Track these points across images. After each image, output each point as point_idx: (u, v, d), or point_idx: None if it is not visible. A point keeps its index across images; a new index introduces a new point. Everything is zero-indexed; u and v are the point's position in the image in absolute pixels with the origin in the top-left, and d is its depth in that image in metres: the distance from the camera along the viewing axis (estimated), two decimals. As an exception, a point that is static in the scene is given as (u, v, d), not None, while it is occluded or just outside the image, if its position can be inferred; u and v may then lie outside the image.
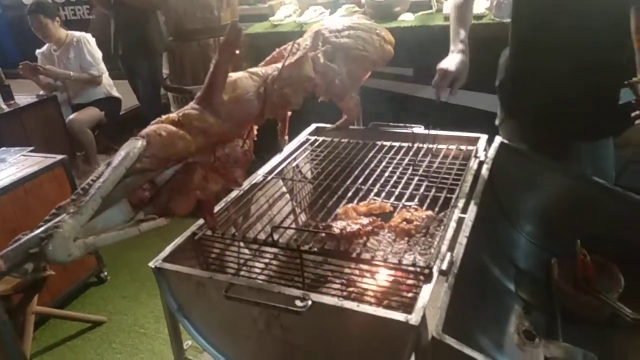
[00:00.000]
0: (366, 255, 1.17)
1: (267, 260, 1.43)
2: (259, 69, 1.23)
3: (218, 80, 1.08)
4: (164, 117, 1.08)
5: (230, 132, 1.13)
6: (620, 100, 1.61)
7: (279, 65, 1.26)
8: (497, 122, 1.92)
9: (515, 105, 1.81)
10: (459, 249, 1.19)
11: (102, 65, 3.96)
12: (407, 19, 3.10)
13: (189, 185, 1.06)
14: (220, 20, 3.24)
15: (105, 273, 2.85)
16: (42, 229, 0.81)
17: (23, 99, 3.69)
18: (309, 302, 1.07)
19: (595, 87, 1.61)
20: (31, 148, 2.71)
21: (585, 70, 1.59)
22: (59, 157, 2.55)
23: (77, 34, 3.87)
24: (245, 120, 1.16)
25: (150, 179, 1.02)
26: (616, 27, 1.48)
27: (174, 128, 1.02)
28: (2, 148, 2.73)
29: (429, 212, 1.31)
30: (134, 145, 0.97)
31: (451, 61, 1.61)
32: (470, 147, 1.70)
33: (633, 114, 1.70)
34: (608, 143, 1.79)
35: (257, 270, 1.40)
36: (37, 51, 3.99)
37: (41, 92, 3.85)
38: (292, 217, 1.72)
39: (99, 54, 3.93)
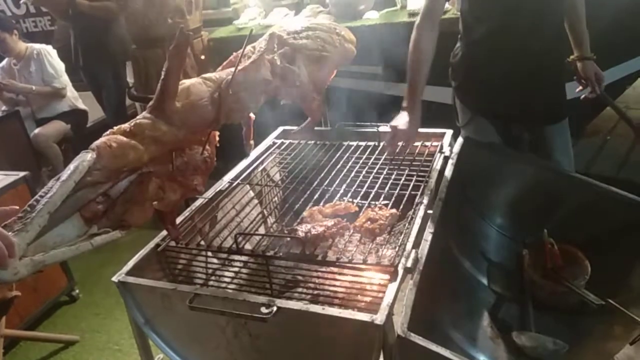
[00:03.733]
0: (331, 257, 1.16)
1: (236, 269, 1.41)
2: (213, 74, 1.21)
3: (169, 88, 1.05)
4: (115, 128, 1.05)
5: (185, 139, 1.10)
6: (569, 94, 1.79)
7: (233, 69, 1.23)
8: (459, 124, 1.92)
9: (479, 101, 1.83)
10: (424, 246, 1.18)
11: (65, 77, 3.86)
12: (372, 17, 3.11)
13: (144, 196, 1.03)
14: (188, 25, 3.20)
15: (77, 291, 2.78)
16: (-15, 249, 0.78)
17: (-17, 115, 3.58)
18: (274, 308, 1.05)
19: (545, 74, 1.71)
20: (-8, 166, 2.63)
21: (537, 60, 1.67)
22: (22, 173, 2.47)
23: (37, 46, 3.77)
24: (200, 126, 1.14)
25: (103, 192, 0.99)
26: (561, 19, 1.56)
27: (124, 139, 0.99)
28: (-37, 167, 2.65)
29: (393, 211, 1.30)
30: (84, 158, 0.94)
31: (402, 120, 1.58)
32: (435, 143, 1.71)
33: (577, 90, 1.80)
34: (566, 124, 1.85)
35: (227, 280, 1.38)
36: (-4, 66, 3.88)
37: (3, 108, 3.75)
38: (260, 222, 1.69)
39: (61, 65, 3.83)
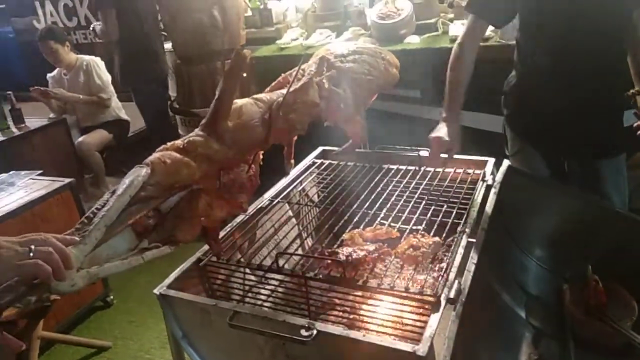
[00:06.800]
0: (372, 283, 1.15)
1: (272, 287, 1.42)
2: (264, 95, 1.23)
3: (224, 107, 1.08)
4: (169, 144, 1.08)
5: (235, 158, 1.13)
6: (626, 122, 1.67)
7: (284, 91, 1.26)
8: (508, 152, 1.91)
9: (531, 132, 1.80)
10: (467, 276, 1.16)
11: (111, 88, 4.00)
12: (413, 41, 3.11)
13: (194, 212, 1.05)
14: (223, 45, 3.28)
15: (112, 297, 2.84)
16: (46, 259, 0.81)
17: (34, 122, 3.72)
18: (314, 332, 1.05)
19: (601, 108, 1.63)
20: (40, 171, 2.72)
21: (592, 93, 1.62)
22: (67, 180, 2.56)
23: (86, 58, 3.93)
24: (250, 146, 1.16)
25: (154, 207, 1.02)
26: (619, 52, 1.52)
27: (178, 155, 1.02)
28: (12, 171, 2.75)
29: (436, 239, 1.29)
30: (138, 173, 0.96)
31: (442, 131, 1.65)
32: (477, 171, 1.69)
33: (635, 124, 1.72)
34: (623, 159, 1.80)
35: (263, 297, 1.38)
36: (48, 75, 4.05)
37: (51, 115, 3.90)
38: (298, 242, 1.70)
39: (107, 77, 3.98)
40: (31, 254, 0.75)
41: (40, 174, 2.70)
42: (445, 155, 1.66)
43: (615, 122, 1.72)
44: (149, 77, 3.70)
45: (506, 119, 1.90)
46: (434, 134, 1.65)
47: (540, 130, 1.75)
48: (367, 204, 1.55)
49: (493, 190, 1.56)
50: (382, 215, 1.49)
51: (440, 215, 1.42)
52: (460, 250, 1.25)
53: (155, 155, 1.03)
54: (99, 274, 0.86)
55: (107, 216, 0.87)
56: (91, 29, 3.60)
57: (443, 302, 1.08)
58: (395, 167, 1.78)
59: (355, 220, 1.49)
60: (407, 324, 1.14)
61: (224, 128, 1.09)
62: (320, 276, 1.22)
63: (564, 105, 1.66)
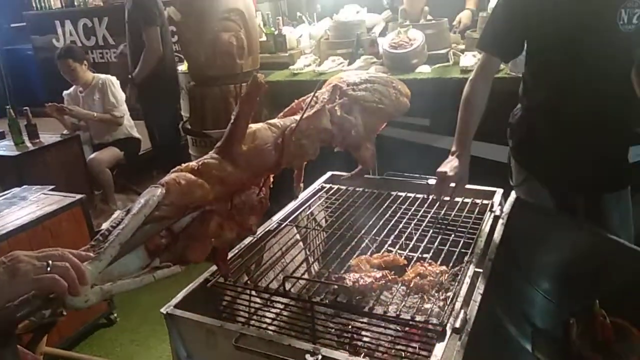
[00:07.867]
0: (378, 310, 1.16)
1: (277, 310, 1.42)
2: (278, 121, 1.26)
3: (239, 131, 1.11)
4: (183, 165, 1.10)
5: (247, 181, 1.15)
6: (631, 158, 1.70)
7: (297, 117, 1.29)
8: (512, 183, 1.92)
9: (535, 164, 1.82)
10: (473, 306, 1.17)
11: (124, 107, 4.08)
12: (424, 71, 3.16)
13: (205, 233, 1.07)
14: (242, 68, 3.35)
15: (115, 315, 2.84)
16: (61, 274, 0.82)
17: (48, 137, 3.79)
18: (319, 357, 1.05)
19: (605, 143, 1.67)
20: (52, 187, 2.76)
21: (597, 129, 1.64)
22: (78, 196, 2.60)
23: (102, 76, 4.02)
24: (262, 169, 1.18)
25: (167, 227, 1.04)
26: (624, 89, 1.54)
27: (193, 177, 1.04)
28: (24, 186, 2.79)
29: (443, 268, 1.30)
30: (154, 193, 0.98)
31: (450, 165, 1.64)
32: (485, 201, 1.70)
33: None
34: (627, 193, 1.80)
35: (268, 320, 1.39)
36: (64, 92, 4.14)
37: (65, 132, 3.96)
38: (304, 266, 1.70)
39: (122, 95, 4.06)
40: (48, 269, 0.76)
41: (52, 189, 2.74)
42: (453, 184, 1.67)
43: (620, 156, 1.73)
44: (164, 99, 3.77)
45: (511, 151, 1.92)
46: (440, 168, 1.65)
47: (544, 163, 1.77)
48: (375, 230, 1.56)
49: (501, 221, 1.57)
50: (389, 242, 1.50)
51: (448, 244, 1.43)
52: (467, 280, 1.26)
53: (170, 176, 1.05)
54: (112, 291, 0.87)
55: (122, 234, 0.89)
56: (119, 52, 3.70)
57: (448, 332, 1.09)
58: (403, 194, 1.80)
59: (362, 246, 1.50)
60: (412, 353, 1.14)
61: (238, 151, 1.11)
62: (327, 301, 1.23)
63: (567, 139, 1.68)
